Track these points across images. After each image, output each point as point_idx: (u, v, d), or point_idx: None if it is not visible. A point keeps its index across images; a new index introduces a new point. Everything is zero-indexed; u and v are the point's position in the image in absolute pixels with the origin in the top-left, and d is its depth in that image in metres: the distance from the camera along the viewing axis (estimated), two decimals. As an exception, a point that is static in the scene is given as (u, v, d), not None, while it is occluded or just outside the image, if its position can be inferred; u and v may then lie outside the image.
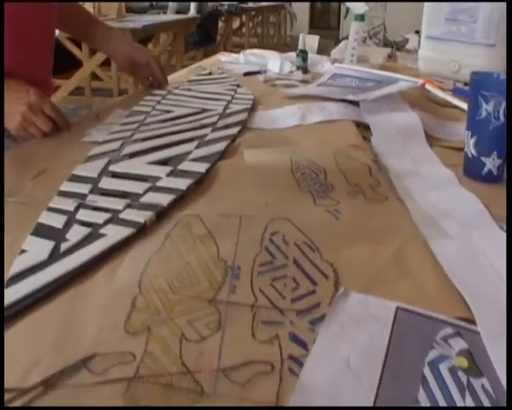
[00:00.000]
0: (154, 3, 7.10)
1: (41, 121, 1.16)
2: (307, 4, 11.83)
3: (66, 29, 1.61)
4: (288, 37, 11.05)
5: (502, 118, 0.92)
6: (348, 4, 2.08)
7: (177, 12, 6.64)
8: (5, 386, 0.49)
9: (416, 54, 2.20)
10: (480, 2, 1.74)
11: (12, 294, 0.61)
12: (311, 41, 2.08)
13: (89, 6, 4.53)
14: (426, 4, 1.96)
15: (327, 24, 12.32)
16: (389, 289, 0.62)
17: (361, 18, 1.93)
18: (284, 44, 10.47)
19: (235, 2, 7.64)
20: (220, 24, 7.77)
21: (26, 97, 1.13)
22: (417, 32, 3.45)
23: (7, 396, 0.47)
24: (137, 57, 1.58)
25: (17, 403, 0.47)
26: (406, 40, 2.97)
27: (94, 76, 5.58)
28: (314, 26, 11.99)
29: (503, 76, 1.00)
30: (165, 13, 6.63)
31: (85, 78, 5.31)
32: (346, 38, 2.88)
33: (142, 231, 0.75)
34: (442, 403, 0.48)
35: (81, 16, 1.58)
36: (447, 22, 1.83)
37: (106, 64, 5.36)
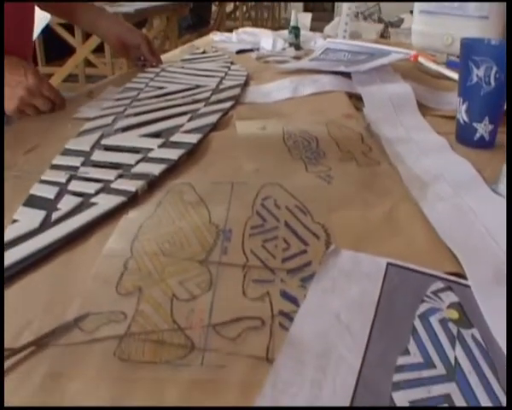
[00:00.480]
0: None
1: (40, 103, 1.16)
2: (301, -13, 11.77)
3: (55, 12, 1.59)
4: (283, 20, 10.99)
5: (493, 83, 0.92)
6: (340, -20, 2.08)
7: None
8: (-3, 346, 0.49)
9: (409, 30, 2.20)
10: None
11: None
12: (303, 19, 2.08)
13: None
14: (418, -21, 1.95)
15: (321, 7, 12.26)
16: (380, 246, 0.63)
17: (353, -7, 1.92)
18: (278, 27, 10.41)
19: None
20: (213, 8, 7.74)
21: (25, 81, 1.12)
22: (412, 12, 3.44)
23: (-2, 355, 0.47)
24: (129, 38, 1.56)
25: (9, 362, 0.47)
26: (401, 20, 2.96)
27: (87, 63, 5.55)
28: (308, 9, 11.91)
29: (494, 41, 1.00)
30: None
31: (79, 64, 5.28)
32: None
33: (133, 200, 0.75)
34: (431, 352, 0.48)
35: None
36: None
37: (99, 50, 5.34)
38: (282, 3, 10.89)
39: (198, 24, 6.05)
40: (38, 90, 1.14)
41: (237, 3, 9.08)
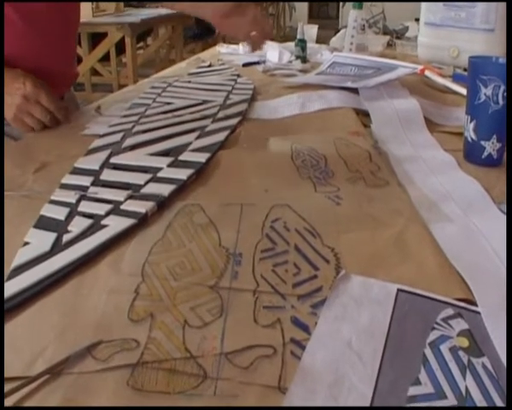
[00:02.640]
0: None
1: (38, 112, 1.17)
2: (306, -5, 11.79)
3: None
4: (287, 27, 11.00)
5: (501, 101, 0.92)
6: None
7: (176, 5, 6.59)
8: (11, 375, 0.50)
9: (416, 41, 2.20)
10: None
11: (15, 285, 0.62)
12: (309, 30, 2.08)
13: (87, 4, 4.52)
14: (424, -9, 1.96)
15: (325, 14, 12.29)
16: (390, 271, 0.63)
17: (359, 6, 1.93)
18: (283, 35, 10.44)
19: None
20: (219, 16, 7.73)
21: (22, 88, 1.13)
22: (417, 20, 3.44)
23: (13, 384, 0.48)
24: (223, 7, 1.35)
25: (23, 391, 0.48)
26: (406, 28, 2.96)
27: (93, 71, 5.58)
28: (313, 17, 11.94)
29: (502, 60, 1.00)
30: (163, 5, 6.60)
31: (85, 73, 5.31)
32: (345, 27, 2.88)
33: (143, 222, 0.75)
34: (443, 382, 0.48)
35: None
36: (446, 8, 1.83)
37: (105, 59, 5.37)
38: (288, 12, 10.90)
39: (203, 33, 6.06)
40: (35, 98, 1.15)
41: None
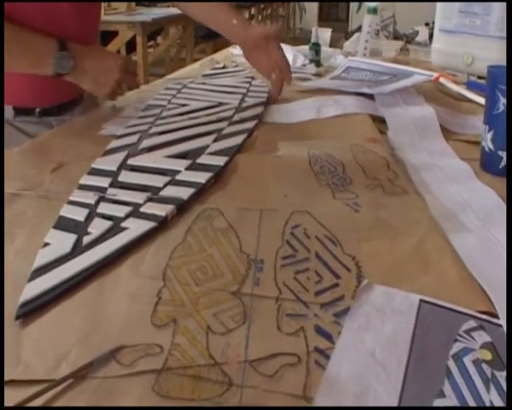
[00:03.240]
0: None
1: (133, 81, 1.27)
2: (316, -3, 11.77)
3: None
4: (297, 29, 11.01)
5: (519, 111, 0.92)
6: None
7: (187, 4, 6.61)
8: (36, 378, 0.50)
9: (427, 46, 2.20)
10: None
11: (37, 286, 0.62)
12: (323, 34, 2.08)
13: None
14: (439, -2, 1.96)
15: (335, 16, 12.27)
16: (411, 281, 0.63)
17: (373, 11, 1.92)
18: (293, 37, 10.44)
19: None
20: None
21: (115, 64, 1.18)
22: (427, 25, 3.44)
23: (38, 388, 0.48)
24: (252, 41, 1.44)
25: (48, 395, 0.48)
26: (416, 32, 2.96)
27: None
28: (323, 19, 11.93)
29: (521, 69, 1.00)
30: (174, 5, 6.61)
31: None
32: (356, 30, 2.88)
33: (163, 225, 0.76)
34: (467, 395, 0.48)
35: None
36: (461, 15, 1.83)
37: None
38: (298, 14, 10.90)
39: (214, 33, 6.05)
40: (127, 69, 1.20)
41: (252, 13, 9.10)
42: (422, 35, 2.91)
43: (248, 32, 1.43)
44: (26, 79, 1.21)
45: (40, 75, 1.15)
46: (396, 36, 2.67)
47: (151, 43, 6.35)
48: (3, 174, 0.90)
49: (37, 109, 1.28)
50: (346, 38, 2.89)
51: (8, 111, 1.25)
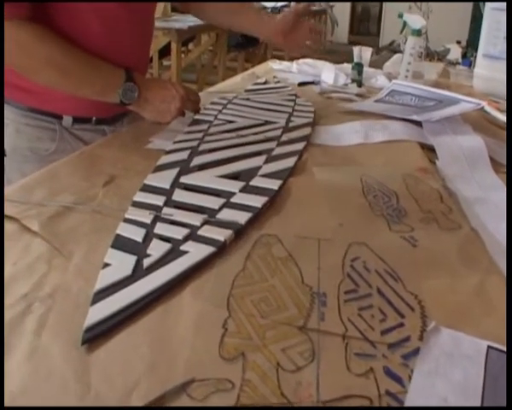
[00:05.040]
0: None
1: (191, 107, 1.35)
2: (348, 10, 11.76)
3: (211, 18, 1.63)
4: (328, 42, 11.00)
5: None
6: (406, 18, 2.07)
7: (221, 13, 6.66)
8: (107, 405, 0.50)
9: (459, 64, 2.21)
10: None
11: (100, 310, 0.62)
12: (363, 53, 2.07)
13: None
14: (484, 22, 1.95)
15: (366, 30, 12.27)
16: (475, 324, 0.62)
17: (418, 33, 1.91)
18: (324, 49, 10.44)
19: (279, 4, 7.64)
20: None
21: (177, 94, 1.22)
22: (459, 42, 3.43)
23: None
24: (284, 25, 1.54)
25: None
26: (448, 50, 2.95)
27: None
28: (354, 32, 11.94)
29: None
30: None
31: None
32: (388, 46, 2.88)
33: (222, 250, 0.76)
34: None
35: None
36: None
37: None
38: (329, 27, 10.89)
39: (247, 42, 6.07)
40: (188, 98, 1.26)
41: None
42: (454, 53, 2.90)
43: (277, 20, 1.54)
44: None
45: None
46: (428, 53, 2.66)
47: (183, 49, 6.38)
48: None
49: (94, 118, 1.30)
50: (377, 54, 2.88)
51: (68, 120, 1.27)
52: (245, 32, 1.65)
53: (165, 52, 5.29)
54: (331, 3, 10.38)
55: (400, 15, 2.16)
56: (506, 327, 0.54)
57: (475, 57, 2.17)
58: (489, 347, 0.58)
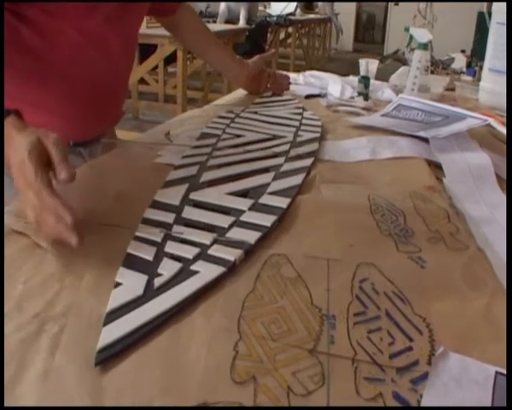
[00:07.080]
0: (204, 11, 7.21)
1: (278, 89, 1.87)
2: (353, 18, 11.79)
3: (189, 46, 1.90)
4: (333, 50, 11.03)
5: None
6: (412, 32, 2.08)
7: (227, 22, 6.72)
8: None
9: (464, 74, 2.22)
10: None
11: (113, 331, 0.63)
12: (370, 66, 2.08)
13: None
14: (490, 36, 1.96)
15: (371, 38, 12.31)
16: (482, 349, 0.63)
17: (424, 47, 1.92)
18: (328, 57, 10.47)
19: (284, 14, 7.69)
20: (268, 35, 7.83)
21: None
22: (463, 51, 3.44)
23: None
24: (252, 70, 1.87)
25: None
26: (452, 59, 2.96)
27: (140, 80, 5.65)
28: (358, 40, 11.97)
29: None
30: (214, 22, 6.72)
31: (134, 83, 5.38)
32: (392, 54, 2.88)
33: (231, 270, 0.76)
34: None
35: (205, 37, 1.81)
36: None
37: (152, 68, 5.43)
38: (334, 35, 10.92)
39: (254, 50, 6.10)
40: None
41: (290, 31, 9.17)
42: (458, 62, 2.91)
43: (250, 67, 1.87)
44: (63, 124, 1.25)
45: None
46: (432, 62, 2.67)
47: (188, 56, 6.41)
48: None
49: (71, 143, 1.32)
50: (382, 62, 2.89)
51: None
52: (218, 70, 2.06)
53: (171, 59, 5.32)
54: (336, 11, 10.42)
55: (406, 29, 2.16)
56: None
57: (480, 67, 2.18)
58: (497, 372, 0.59)
